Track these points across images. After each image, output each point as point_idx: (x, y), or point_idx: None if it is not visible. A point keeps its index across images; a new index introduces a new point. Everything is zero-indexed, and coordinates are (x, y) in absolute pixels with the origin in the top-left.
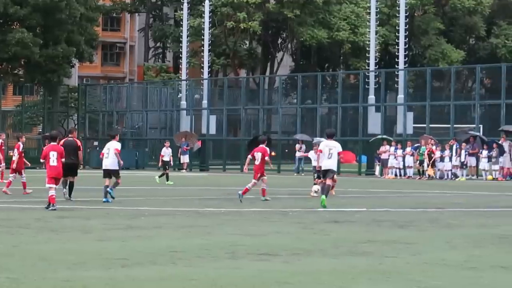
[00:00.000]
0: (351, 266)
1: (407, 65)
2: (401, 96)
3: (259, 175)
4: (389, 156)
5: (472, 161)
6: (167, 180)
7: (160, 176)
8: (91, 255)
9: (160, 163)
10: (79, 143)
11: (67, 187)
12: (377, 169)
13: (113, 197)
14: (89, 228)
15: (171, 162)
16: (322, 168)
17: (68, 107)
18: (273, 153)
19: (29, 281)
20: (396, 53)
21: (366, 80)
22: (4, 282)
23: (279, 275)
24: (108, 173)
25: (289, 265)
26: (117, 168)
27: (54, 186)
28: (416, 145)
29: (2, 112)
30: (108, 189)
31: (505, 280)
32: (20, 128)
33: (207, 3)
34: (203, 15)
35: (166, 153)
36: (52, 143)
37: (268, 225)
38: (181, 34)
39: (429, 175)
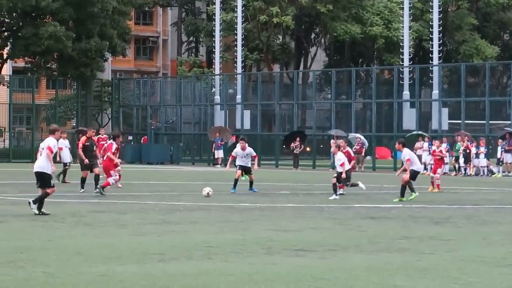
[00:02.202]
0: (387, 262)
1: (441, 60)
2: (435, 92)
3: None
4: (423, 152)
5: (508, 157)
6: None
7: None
8: (126, 250)
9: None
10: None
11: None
12: None
13: (255, 191)
14: (124, 223)
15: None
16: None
17: (101, 101)
18: (308, 149)
19: (65, 276)
20: (430, 49)
21: (400, 75)
22: (40, 276)
23: (315, 271)
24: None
25: (325, 261)
26: (249, 166)
27: None
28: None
29: (35, 106)
30: (251, 186)
31: None
32: (54, 122)
33: None
34: (235, 9)
35: None
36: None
37: (304, 221)
38: (213, 28)
39: (470, 174)
